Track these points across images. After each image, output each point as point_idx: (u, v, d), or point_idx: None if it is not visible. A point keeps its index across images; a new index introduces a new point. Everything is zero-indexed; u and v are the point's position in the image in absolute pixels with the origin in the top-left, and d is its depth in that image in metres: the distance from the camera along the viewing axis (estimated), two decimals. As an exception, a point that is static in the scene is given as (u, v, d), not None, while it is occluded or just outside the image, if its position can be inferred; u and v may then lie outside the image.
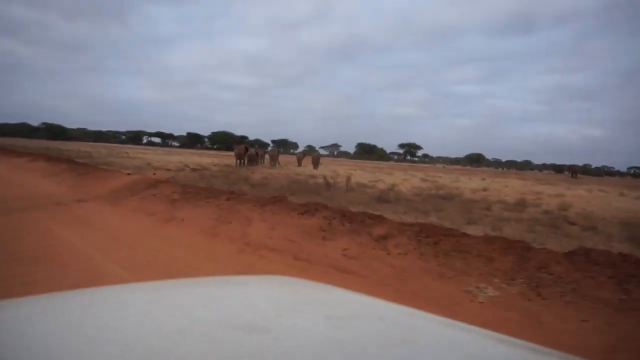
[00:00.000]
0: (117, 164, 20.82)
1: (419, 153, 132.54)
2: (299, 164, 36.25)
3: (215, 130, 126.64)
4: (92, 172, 13.92)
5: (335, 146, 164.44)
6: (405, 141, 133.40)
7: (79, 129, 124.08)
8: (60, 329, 0.68)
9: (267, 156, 34.89)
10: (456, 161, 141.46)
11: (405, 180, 23.28)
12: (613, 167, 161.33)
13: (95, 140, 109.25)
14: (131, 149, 56.27)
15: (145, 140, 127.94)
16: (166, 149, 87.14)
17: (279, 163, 33.22)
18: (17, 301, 0.84)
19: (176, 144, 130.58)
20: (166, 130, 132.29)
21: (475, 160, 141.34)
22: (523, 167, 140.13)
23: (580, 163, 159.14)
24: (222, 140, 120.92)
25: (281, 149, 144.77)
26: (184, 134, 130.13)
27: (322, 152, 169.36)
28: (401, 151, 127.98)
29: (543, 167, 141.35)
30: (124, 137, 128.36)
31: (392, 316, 0.87)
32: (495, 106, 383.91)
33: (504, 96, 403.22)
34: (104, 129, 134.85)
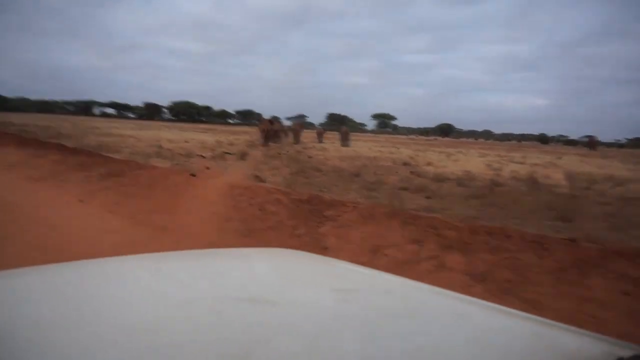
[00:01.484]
0: (116, 147, 14.97)
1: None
2: (320, 140, 30.97)
3: (174, 100, 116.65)
4: (129, 173, 7.97)
5: (302, 117, 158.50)
6: (377, 112, 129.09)
7: (20, 99, 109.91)
8: (59, 300, 0.67)
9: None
10: (425, 132, 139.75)
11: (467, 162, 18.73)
12: (567, 136, 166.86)
13: (39, 111, 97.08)
14: (94, 123, 47.98)
15: (97, 112, 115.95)
16: (126, 121, 77.79)
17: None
18: (15, 272, 0.82)
19: (132, 115, 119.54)
20: (113, 99, 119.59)
21: (445, 131, 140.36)
22: (501, 139, 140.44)
23: (527, 132, 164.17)
24: (185, 111, 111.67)
25: (249, 121, 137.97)
26: (140, 104, 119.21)
27: (286, 123, 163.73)
28: (374, 122, 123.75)
29: (522, 137, 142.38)
30: (71, 107, 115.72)
31: (398, 289, 0.86)
32: (445, 76, 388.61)
33: (454, 66, 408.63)
34: (45, 97, 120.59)
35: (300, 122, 33.51)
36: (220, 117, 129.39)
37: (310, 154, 18.29)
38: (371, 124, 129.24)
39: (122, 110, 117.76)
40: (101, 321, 0.59)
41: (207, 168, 10.11)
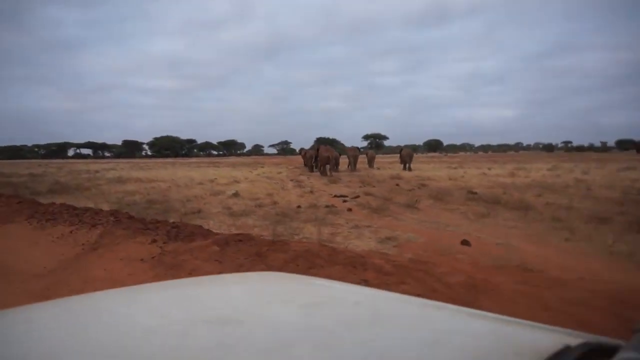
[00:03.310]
0: (185, 206, 9.89)
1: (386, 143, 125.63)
2: (371, 165, 27.09)
3: (154, 136, 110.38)
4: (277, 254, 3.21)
5: (286, 143, 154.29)
6: (369, 132, 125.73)
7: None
8: (31, 339, 0.68)
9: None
10: (414, 148, 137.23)
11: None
12: (543, 143, 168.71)
13: (9, 158, 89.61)
14: (83, 165, 42.03)
15: (72, 153, 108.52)
16: (113, 161, 71.35)
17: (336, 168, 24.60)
18: None
19: (108, 154, 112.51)
20: (87, 139, 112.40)
21: (433, 147, 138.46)
22: (483, 150, 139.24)
23: (495, 142, 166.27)
24: (168, 146, 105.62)
25: (232, 151, 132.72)
26: (119, 143, 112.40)
27: (272, 150, 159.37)
28: (366, 143, 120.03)
29: (499, 147, 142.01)
30: (43, 151, 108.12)
31: (368, 301, 0.86)
32: (416, 94, 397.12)
33: (424, 84, 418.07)
34: (12, 144, 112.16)
35: (355, 147, 29.14)
36: (204, 149, 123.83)
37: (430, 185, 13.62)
38: (361, 144, 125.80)
39: (99, 149, 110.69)
40: (66, 353, 0.61)
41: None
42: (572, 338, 0.56)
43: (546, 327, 0.66)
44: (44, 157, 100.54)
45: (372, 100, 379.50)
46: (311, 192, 12.29)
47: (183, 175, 21.63)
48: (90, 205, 9.63)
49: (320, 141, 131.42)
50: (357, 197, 10.88)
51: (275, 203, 9.69)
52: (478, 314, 0.74)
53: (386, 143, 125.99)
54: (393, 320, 0.72)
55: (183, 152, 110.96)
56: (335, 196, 11.20)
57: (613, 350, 0.50)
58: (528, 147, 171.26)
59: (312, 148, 29.08)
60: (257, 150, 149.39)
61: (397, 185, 14.53)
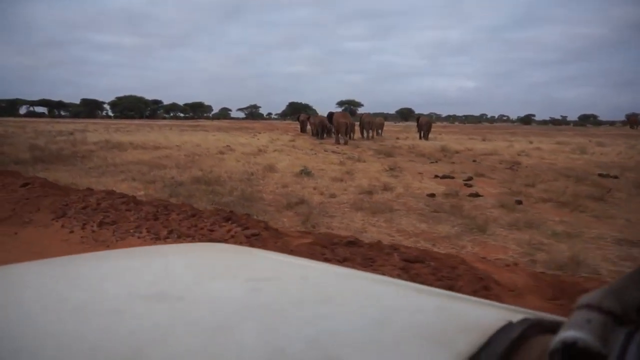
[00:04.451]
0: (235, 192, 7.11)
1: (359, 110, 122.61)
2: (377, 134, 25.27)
3: (116, 95, 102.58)
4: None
5: (255, 107, 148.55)
6: (345, 98, 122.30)
7: None
8: None
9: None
10: (383, 117, 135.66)
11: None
12: (508, 116, 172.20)
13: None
14: (47, 124, 37.08)
15: (24, 111, 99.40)
16: (64, 120, 64.88)
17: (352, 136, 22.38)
18: None
19: (64, 113, 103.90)
20: (37, 97, 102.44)
21: (405, 116, 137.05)
22: (469, 121, 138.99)
23: (459, 113, 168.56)
24: (132, 107, 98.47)
25: (199, 113, 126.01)
26: (75, 101, 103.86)
27: (239, 114, 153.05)
28: (340, 109, 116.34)
29: (465, 119, 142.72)
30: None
31: (315, 276, 0.82)
32: (382, 62, 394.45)
33: (390, 52, 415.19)
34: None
35: (368, 114, 26.60)
36: (169, 111, 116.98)
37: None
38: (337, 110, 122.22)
39: (54, 108, 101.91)
40: None
41: None
42: (513, 314, 0.57)
43: (489, 302, 0.67)
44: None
45: (339, 66, 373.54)
46: (392, 169, 9.71)
47: (184, 141, 18.41)
48: (121, 185, 6.69)
49: (294, 106, 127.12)
50: (470, 178, 8.43)
51: (388, 188, 7.07)
52: (425, 290, 0.73)
53: (361, 110, 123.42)
54: (341, 296, 0.70)
55: (147, 113, 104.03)
56: (441, 177, 8.68)
57: (552, 326, 0.50)
58: (493, 119, 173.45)
59: (306, 115, 27.42)
60: (224, 113, 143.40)
61: (475, 161, 12.16)
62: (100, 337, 0.52)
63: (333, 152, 14.80)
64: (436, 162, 11.88)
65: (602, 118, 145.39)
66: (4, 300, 0.67)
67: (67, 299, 0.66)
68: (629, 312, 0.39)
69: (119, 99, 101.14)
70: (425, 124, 24.83)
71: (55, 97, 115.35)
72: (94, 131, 27.18)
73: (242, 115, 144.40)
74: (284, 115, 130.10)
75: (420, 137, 24.67)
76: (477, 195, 6.67)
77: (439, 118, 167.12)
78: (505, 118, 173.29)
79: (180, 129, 34.37)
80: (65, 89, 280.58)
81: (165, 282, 0.74)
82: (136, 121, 64.64)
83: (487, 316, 0.57)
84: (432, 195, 6.63)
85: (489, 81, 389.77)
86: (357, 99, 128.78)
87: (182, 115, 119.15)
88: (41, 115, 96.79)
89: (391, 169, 9.74)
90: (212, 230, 3.64)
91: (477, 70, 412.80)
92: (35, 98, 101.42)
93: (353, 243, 3.41)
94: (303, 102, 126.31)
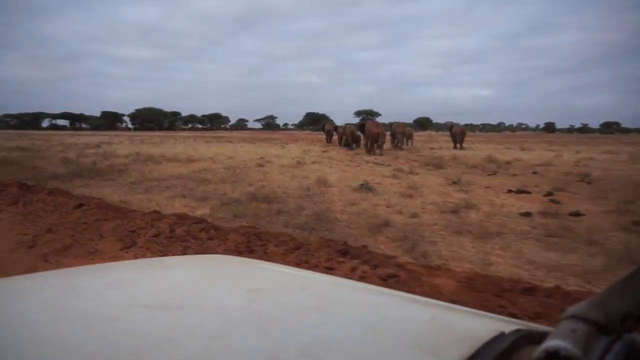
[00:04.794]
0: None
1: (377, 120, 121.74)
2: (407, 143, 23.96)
3: (137, 107, 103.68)
4: None
5: (272, 118, 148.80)
6: (361, 108, 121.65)
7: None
8: None
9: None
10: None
11: None
12: (526, 124, 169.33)
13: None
14: (70, 137, 37.15)
15: (46, 124, 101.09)
16: (85, 132, 65.44)
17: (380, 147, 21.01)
18: None
19: (85, 125, 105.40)
20: (61, 110, 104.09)
21: (423, 124, 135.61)
22: (489, 130, 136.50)
23: (475, 122, 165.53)
24: (151, 119, 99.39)
25: (217, 124, 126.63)
26: (95, 114, 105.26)
27: (256, 125, 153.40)
28: (358, 119, 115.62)
29: (483, 127, 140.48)
30: (14, 121, 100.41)
31: (315, 286, 0.83)
32: (395, 71, 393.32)
33: (403, 61, 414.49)
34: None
35: (402, 124, 25.83)
36: (188, 122, 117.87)
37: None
38: (354, 121, 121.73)
39: (76, 121, 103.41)
40: None
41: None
42: (505, 324, 0.57)
43: (482, 313, 0.67)
44: (16, 127, 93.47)
45: (351, 76, 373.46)
46: (455, 183, 8.91)
47: (215, 153, 17.86)
48: (173, 203, 6.08)
49: (311, 116, 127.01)
50: (550, 194, 7.58)
51: (469, 206, 6.29)
52: (419, 300, 0.73)
53: (378, 119, 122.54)
54: (338, 306, 0.70)
55: (166, 125, 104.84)
56: (516, 192, 7.85)
57: (542, 336, 0.49)
58: (511, 128, 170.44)
59: (333, 126, 27.84)
60: (241, 124, 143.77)
61: (535, 173, 11.27)
62: (101, 345, 0.52)
63: (375, 163, 14.06)
64: (494, 174, 11.04)
65: (625, 125, 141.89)
66: (10, 309, 0.67)
67: (71, 308, 0.66)
68: (613, 322, 0.40)
69: (138, 111, 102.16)
70: (459, 134, 23.99)
71: (74, 110, 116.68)
72: (119, 143, 26.98)
73: (259, 125, 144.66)
74: (300, 126, 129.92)
75: (454, 147, 23.85)
76: (578, 214, 5.84)
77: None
78: (524, 126, 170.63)
79: (204, 140, 34.05)
80: (83, 102, 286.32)
81: (167, 292, 0.73)
82: (156, 133, 64.97)
83: (480, 327, 0.57)
84: (527, 214, 5.83)
85: (505, 90, 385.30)
86: (373, 109, 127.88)
87: (200, 126, 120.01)
88: (63, 127, 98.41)
89: (454, 183, 8.95)
90: (330, 269, 2.93)
91: (492, 79, 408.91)
92: (55, 111, 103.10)
93: (530, 290, 2.65)
94: (320, 112, 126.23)
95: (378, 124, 21.77)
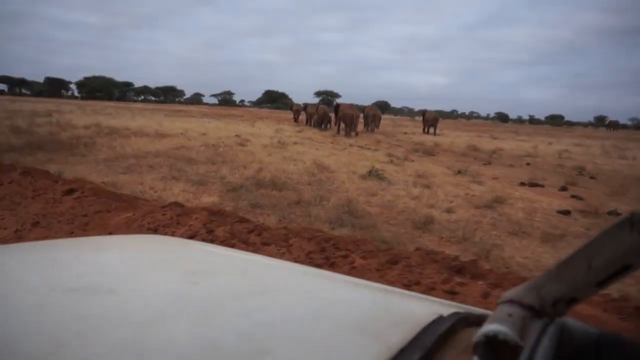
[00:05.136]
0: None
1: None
2: (375, 126, 23.65)
3: (82, 75, 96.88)
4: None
5: (228, 93, 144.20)
6: (321, 89, 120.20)
7: None
8: None
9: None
10: (361, 109, 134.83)
11: None
12: (478, 113, 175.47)
13: None
14: (11, 102, 33.75)
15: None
16: (27, 98, 60.21)
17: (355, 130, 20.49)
18: None
19: (26, 91, 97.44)
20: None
21: (382, 108, 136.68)
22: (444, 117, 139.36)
23: (430, 108, 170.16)
24: (101, 88, 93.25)
25: (171, 98, 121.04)
26: (38, 79, 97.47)
27: (212, 100, 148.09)
28: (318, 99, 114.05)
29: (461, 115, 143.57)
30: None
31: (255, 269, 0.80)
32: (355, 54, 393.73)
33: (364, 44, 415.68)
34: None
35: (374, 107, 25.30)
36: (140, 94, 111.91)
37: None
38: (314, 101, 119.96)
39: (16, 86, 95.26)
40: None
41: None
42: (444, 307, 0.57)
43: (424, 297, 0.67)
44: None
45: (313, 56, 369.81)
46: (461, 173, 8.48)
47: (183, 128, 16.51)
48: (171, 188, 5.22)
49: (270, 94, 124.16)
50: (565, 188, 7.29)
51: (500, 201, 5.82)
52: (360, 283, 0.72)
53: (338, 101, 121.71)
54: (278, 290, 0.68)
55: (117, 95, 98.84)
56: (529, 185, 7.50)
57: (480, 319, 0.50)
58: (464, 115, 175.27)
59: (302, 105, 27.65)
60: (197, 99, 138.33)
61: (528, 164, 11.09)
62: (19, 332, 0.48)
63: (360, 147, 13.45)
64: (489, 164, 10.76)
65: (568, 119, 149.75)
66: None
67: None
68: (546, 306, 0.42)
69: (87, 79, 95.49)
70: (432, 120, 23.80)
71: (14, 74, 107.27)
72: (71, 112, 24.69)
73: (214, 101, 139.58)
74: (258, 103, 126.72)
75: (425, 132, 23.67)
76: (617, 213, 5.53)
77: (411, 112, 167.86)
78: (475, 115, 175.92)
79: (163, 114, 31.90)
80: (24, 66, 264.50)
81: (96, 275, 0.70)
82: (108, 103, 60.79)
83: (420, 310, 0.57)
84: (567, 212, 5.44)
85: (460, 78, 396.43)
86: (333, 90, 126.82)
87: (153, 98, 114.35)
88: (1, 92, 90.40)
89: (460, 173, 8.52)
90: (452, 293, 2.26)
91: (448, 67, 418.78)
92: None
93: None
94: (280, 91, 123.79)
95: (352, 106, 21.12)
